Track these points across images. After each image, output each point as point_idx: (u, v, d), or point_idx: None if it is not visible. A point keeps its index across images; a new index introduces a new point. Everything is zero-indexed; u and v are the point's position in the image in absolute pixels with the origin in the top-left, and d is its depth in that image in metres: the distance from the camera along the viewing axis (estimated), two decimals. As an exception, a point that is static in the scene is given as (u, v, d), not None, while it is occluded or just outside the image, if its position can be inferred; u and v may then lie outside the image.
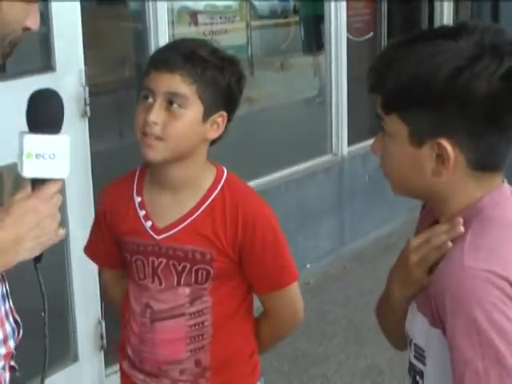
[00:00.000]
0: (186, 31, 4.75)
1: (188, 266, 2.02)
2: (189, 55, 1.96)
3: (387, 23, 6.32)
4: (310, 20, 6.29)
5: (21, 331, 1.65)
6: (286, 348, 3.94)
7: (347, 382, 3.99)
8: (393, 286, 1.57)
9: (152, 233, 2.04)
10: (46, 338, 1.63)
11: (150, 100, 1.95)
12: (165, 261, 2.04)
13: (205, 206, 2.02)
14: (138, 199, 2.07)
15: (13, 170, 3.52)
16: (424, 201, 1.58)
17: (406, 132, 1.42)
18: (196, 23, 4.87)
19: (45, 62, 3.36)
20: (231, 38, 5.10)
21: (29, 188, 1.52)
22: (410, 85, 1.40)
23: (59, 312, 3.54)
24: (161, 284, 2.06)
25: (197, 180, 2.04)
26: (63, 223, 1.59)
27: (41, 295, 1.59)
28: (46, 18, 3.14)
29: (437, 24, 6.34)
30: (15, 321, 1.65)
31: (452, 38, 1.39)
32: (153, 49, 3.88)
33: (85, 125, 3.50)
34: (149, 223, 2.05)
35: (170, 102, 1.94)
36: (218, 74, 1.97)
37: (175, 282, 2.05)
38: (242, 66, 2.09)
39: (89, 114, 3.49)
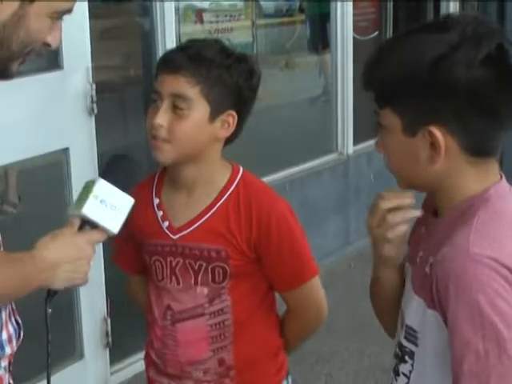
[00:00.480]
0: (192, 29, 4.75)
1: (204, 264, 2.02)
2: (193, 56, 1.96)
3: (392, 22, 6.32)
4: (315, 19, 6.29)
5: (21, 333, 1.68)
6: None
7: (351, 381, 4.00)
8: (377, 265, 1.64)
9: (168, 232, 2.05)
10: (49, 345, 1.67)
11: (158, 102, 1.96)
12: (181, 260, 2.04)
13: (219, 204, 2.02)
14: (156, 201, 2.08)
15: (17, 167, 3.52)
16: (427, 192, 1.60)
17: (400, 123, 1.46)
18: (201, 21, 4.87)
19: (52, 60, 3.37)
20: (236, 36, 5.10)
21: (76, 226, 1.62)
22: (397, 77, 1.45)
23: (65, 309, 3.55)
24: (179, 284, 2.06)
25: (211, 179, 2.04)
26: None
27: (45, 326, 1.65)
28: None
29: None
30: (17, 322, 1.67)
31: (437, 30, 1.44)
32: (160, 47, 3.90)
33: (91, 122, 3.51)
34: (166, 223, 2.06)
35: (176, 104, 1.94)
36: (224, 73, 1.96)
37: (193, 282, 2.04)
38: (253, 63, 2.06)
39: (96, 111, 3.50)
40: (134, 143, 4.30)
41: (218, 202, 2.03)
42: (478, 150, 1.45)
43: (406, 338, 1.54)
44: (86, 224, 1.62)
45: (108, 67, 4.39)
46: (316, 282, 2.12)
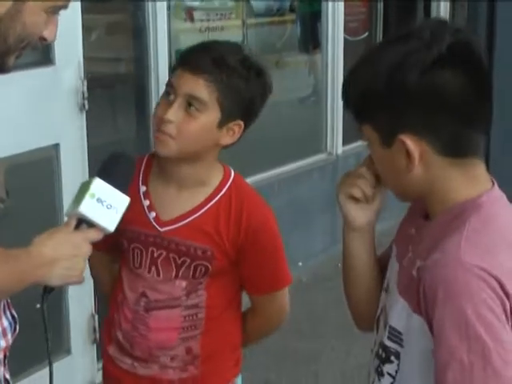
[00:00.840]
0: (182, 27, 4.76)
1: (188, 260, 2.04)
2: (217, 60, 1.97)
3: (383, 23, 6.33)
4: (306, 18, 6.30)
5: (17, 327, 1.68)
6: (276, 346, 3.95)
7: (337, 381, 4.01)
8: (343, 229, 1.76)
9: (155, 224, 2.06)
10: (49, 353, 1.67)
11: (171, 97, 1.98)
12: (165, 253, 2.06)
13: (211, 204, 2.05)
14: (142, 188, 2.09)
15: (7, 162, 3.53)
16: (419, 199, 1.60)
17: (377, 137, 1.48)
18: (192, 19, 4.87)
19: (44, 55, 3.37)
20: (227, 35, 5.11)
21: (73, 225, 1.63)
22: (363, 93, 1.48)
23: (53, 305, 3.54)
24: (158, 275, 2.07)
25: (204, 179, 2.06)
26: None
27: (43, 324, 1.66)
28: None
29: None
30: (12, 316, 1.68)
31: (397, 40, 1.47)
32: (151, 45, 3.91)
33: (82, 118, 3.51)
34: (152, 214, 2.06)
35: (189, 104, 1.96)
36: (242, 84, 1.98)
37: (173, 275, 2.07)
38: (269, 77, 2.07)
39: (87, 107, 3.50)
40: (125, 139, 4.31)
41: (210, 201, 2.05)
42: (454, 151, 1.45)
43: (389, 338, 1.54)
44: (83, 223, 1.63)
45: (100, 63, 4.39)
46: (286, 291, 2.20)
